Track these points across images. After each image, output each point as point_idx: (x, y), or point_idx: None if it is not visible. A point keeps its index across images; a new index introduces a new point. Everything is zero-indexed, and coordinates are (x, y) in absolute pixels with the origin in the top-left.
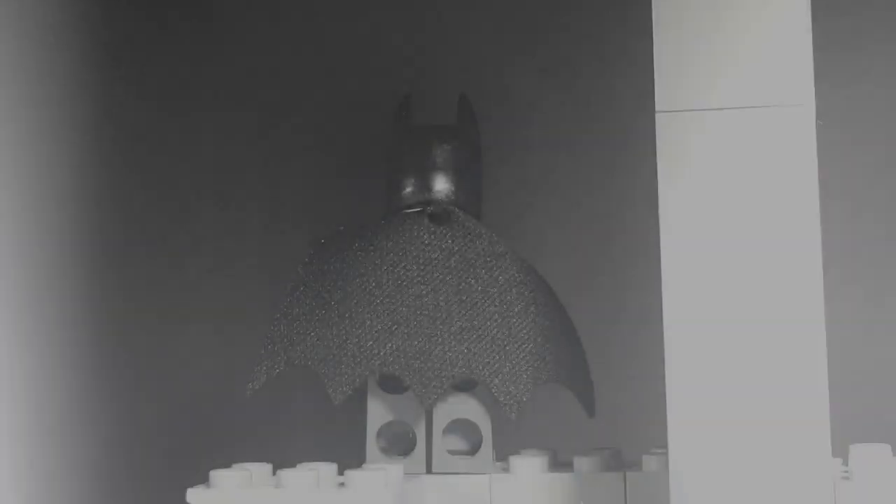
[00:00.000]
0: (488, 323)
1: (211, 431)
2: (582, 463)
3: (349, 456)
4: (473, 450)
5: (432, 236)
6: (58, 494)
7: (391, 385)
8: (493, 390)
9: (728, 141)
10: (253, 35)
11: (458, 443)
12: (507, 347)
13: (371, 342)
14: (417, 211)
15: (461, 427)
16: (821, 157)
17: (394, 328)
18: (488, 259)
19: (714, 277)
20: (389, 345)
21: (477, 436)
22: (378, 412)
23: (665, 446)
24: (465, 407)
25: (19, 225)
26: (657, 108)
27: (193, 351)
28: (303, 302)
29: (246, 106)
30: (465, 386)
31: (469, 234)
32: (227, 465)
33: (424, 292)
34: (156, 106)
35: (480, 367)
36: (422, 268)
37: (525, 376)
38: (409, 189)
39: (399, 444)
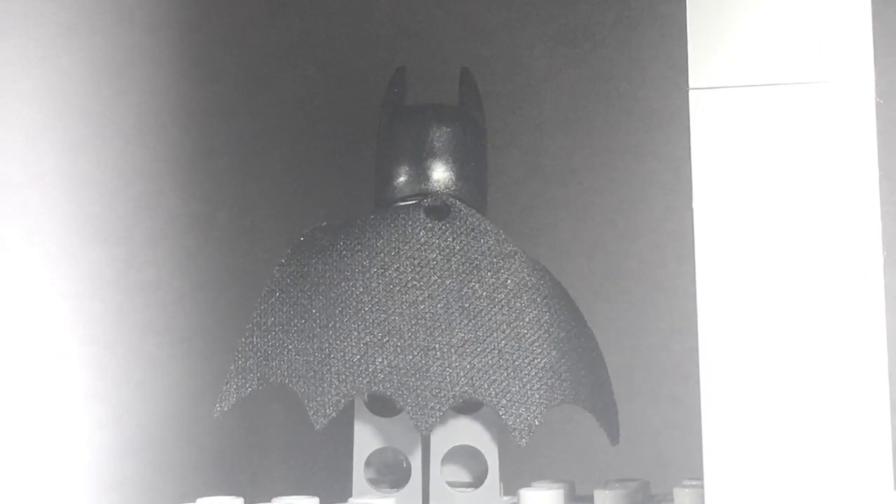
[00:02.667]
0: (495, 334)
1: (172, 460)
2: (604, 497)
3: (333, 489)
4: (477, 481)
5: (430, 233)
6: None
7: (382, 407)
8: (501, 413)
9: (772, 122)
10: None
11: (459, 473)
12: (517, 363)
13: (358, 357)
14: (412, 204)
15: (463, 455)
16: (881, 141)
17: (385, 340)
18: (495, 260)
19: (757, 280)
20: (380, 360)
21: (481, 465)
22: (366, 438)
23: (700, 478)
24: (467, 432)
25: None
26: (691, 84)
27: (152, 367)
28: (279, 310)
29: (213, 79)
30: (468, 408)
31: (472, 230)
32: (191, 500)
33: (420, 298)
34: (107, 78)
35: (486, 386)
36: (417, 270)
37: (537, 396)
38: (402, 178)
39: (391, 474)
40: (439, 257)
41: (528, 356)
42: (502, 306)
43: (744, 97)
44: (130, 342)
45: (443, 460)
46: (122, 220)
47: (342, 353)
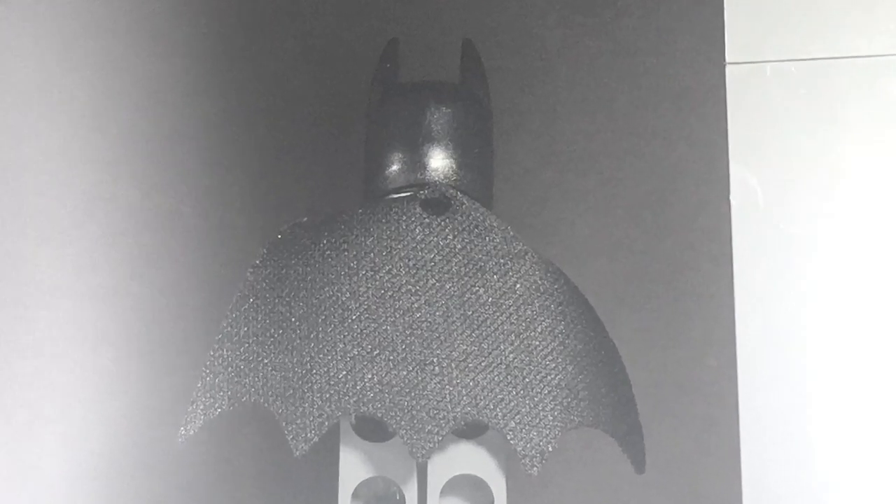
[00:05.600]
0: (502, 346)
1: (130, 491)
2: None
3: None
4: None
5: (427, 230)
6: None
7: (371, 430)
8: (509, 437)
9: (819, 101)
10: None
11: None
12: (527, 380)
13: (344, 373)
14: (407, 196)
15: (465, 486)
16: None
17: (375, 354)
18: (502, 260)
19: (804, 285)
20: (369, 376)
21: (486, 497)
22: (354, 466)
23: None
24: (470, 459)
25: None
26: (727, 58)
27: (107, 383)
28: (253, 318)
29: (176, 53)
30: (471, 431)
31: (476, 226)
32: None
33: (416, 305)
34: (54, 51)
35: (491, 407)
36: (413, 272)
37: (551, 419)
38: (395, 167)
39: None
40: (438, 258)
41: (539, 372)
42: (510, 314)
43: (787, 73)
44: (81, 356)
45: (442, 491)
46: (71, 214)
47: (326, 369)
